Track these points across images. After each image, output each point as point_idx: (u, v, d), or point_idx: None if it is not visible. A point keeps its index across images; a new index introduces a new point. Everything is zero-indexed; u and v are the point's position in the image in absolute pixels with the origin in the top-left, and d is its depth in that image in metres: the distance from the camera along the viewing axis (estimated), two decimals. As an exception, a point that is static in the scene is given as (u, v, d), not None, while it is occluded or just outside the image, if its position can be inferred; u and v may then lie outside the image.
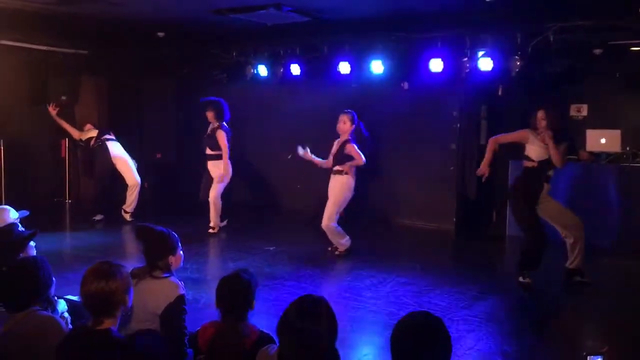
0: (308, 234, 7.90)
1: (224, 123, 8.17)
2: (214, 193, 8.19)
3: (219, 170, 8.15)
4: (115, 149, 8.81)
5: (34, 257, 3.30)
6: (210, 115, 8.20)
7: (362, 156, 6.95)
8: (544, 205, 5.91)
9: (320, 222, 7.03)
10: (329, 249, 7.23)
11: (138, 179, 8.85)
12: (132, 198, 8.84)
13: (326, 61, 8.63)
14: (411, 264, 6.73)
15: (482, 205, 8.73)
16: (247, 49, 9.30)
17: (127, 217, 8.84)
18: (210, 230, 8.21)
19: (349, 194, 7.05)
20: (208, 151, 8.25)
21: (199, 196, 8.45)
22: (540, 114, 5.80)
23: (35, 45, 9.30)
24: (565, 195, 7.30)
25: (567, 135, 6.00)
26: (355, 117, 7.14)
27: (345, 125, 7.08)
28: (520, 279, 5.96)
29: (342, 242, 7.12)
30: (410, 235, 8.68)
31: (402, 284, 5.98)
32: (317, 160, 7.31)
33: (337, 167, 7.08)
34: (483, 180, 6.20)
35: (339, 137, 7.16)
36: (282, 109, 9.74)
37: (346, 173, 7.00)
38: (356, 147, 6.97)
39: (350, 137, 7.04)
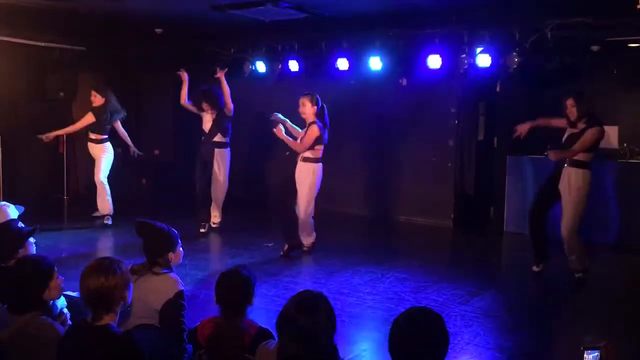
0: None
1: None
2: (223, 187, 7.82)
3: (226, 160, 7.86)
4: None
5: (33, 258, 3.28)
6: (206, 106, 7.86)
7: (308, 144, 6.50)
8: (564, 195, 5.88)
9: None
10: (304, 249, 6.92)
11: (104, 180, 8.12)
12: (100, 200, 8.13)
13: (324, 57, 8.61)
14: (409, 260, 6.74)
15: (480, 202, 8.76)
16: (245, 45, 9.28)
17: (105, 220, 8.16)
18: (214, 226, 8.01)
19: (319, 183, 6.65)
20: (219, 138, 7.83)
21: (196, 188, 7.93)
22: (570, 102, 5.78)
23: (33, 41, 9.25)
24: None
25: (599, 120, 5.80)
26: (319, 99, 6.72)
27: (305, 107, 6.64)
28: (534, 267, 6.22)
29: (312, 236, 6.89)
30: (408, 231, 8.69)
31: (400, 280, 6.00)
32: (290, 140, 6.70)
33: (306, 154, 6.66)
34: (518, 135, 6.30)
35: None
36: (281, 106, 9.68)
37: (315, 160, 6.60)
38: (318, 130, 6.50)
39: (316, 120, 6.58)
